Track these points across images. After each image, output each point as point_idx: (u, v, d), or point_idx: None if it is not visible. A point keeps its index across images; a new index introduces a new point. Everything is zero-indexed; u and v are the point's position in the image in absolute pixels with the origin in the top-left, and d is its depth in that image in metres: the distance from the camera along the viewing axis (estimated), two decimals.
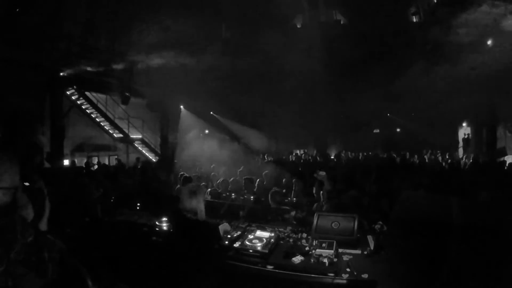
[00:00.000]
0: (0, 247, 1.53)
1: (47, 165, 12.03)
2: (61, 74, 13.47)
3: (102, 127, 17.40)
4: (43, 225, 2.04)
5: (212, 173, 9.37)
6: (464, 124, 19.86)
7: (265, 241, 3.90)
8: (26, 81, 12.24)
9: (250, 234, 4.17)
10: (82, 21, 12.26)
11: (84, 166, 12.68)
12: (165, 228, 4.74)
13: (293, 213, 4.88)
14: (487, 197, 4.26)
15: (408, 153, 16.15)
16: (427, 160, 14.27)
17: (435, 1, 15.33)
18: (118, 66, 14.03)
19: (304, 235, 4.23)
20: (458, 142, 20.06)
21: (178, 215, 3.52)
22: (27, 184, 1.99)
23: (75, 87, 15.12)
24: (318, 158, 17.06)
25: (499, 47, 13.72)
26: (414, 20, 17.37)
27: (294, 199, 5.86)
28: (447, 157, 15.68)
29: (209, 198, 6.20)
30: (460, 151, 19.35)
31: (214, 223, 3.61)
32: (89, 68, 13.74)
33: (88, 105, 16.38)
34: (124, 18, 12.35)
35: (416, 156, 15.74)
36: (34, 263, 1.70)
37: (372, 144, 18.38)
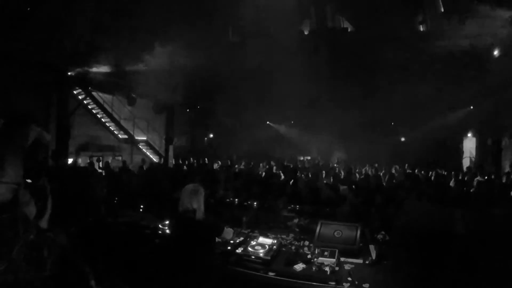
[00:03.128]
0: (1, 245, 1.53)
1: (51, 163, 12.11)
2: (68, 73, 13.55)
3: (107, 128, 17.49)
4: (44, 223, 2.04)
5: None
6: (469, 135, 19.77)
7: (267, 247, 3.92)
8: (33, 80, 12.34)
9: (252, 240, 4.19)
10: (90, 21, 12.33)
11: (88, 165, 12.74)
12: (167, 230, 4.76)
13: (296, 220, 4.89)
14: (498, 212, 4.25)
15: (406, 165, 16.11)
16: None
17: (442, 10, 15.32)
18: (126, 67, 14.09)
19: (307, 242, 4.24)
20: (463, 153, 19.99)
21: (177, 215, 3.56)
22: (29, 181, 2.00)
23: (82, 86, 15.23)
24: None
25: (504, 56, 13.68)
26: (421, 28, 17.37)
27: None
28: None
29: None
30: (465, 161, 19.26)
31: (214, 220, 3.63)
32: (96, 68, 13.82)
33: (94, 105, 16.47)
34: (132, 18, 12.41)
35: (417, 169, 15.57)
36: (35, 260, 1.70)
37: (376, 153, 18.28)
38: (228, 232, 3.73)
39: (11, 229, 1.59)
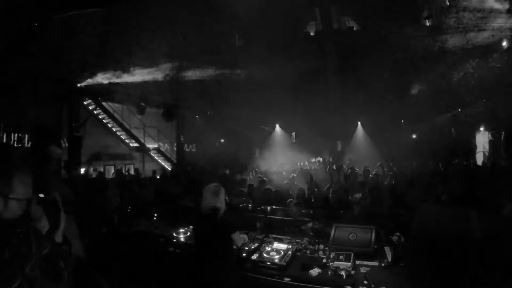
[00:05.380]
0: (15, 261, 1.53)
1: (63, 174, 12.25)
2: (78, 85, 13.74)
3: (118, 137, 17.66)
4: (58, 237, 2.06)
5: None
6: (481, 129, 19.50)
7: (282, 253, 3.92)
8: (44, 92, 12.51)
9: (267, 246, 4.20)
10: (98, 33, 12.49)
11: (100, 175, 12.85)
12: (182, 239, 4.77)
13: (310, 224, 4.86)
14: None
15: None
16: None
17: (448, 4, 15.19)
18: (134, 77, 14.25)
19: (321, 246, 4.23)
20: (476, 147, 19.71)
21: (200, 214, 3.66)
22: (41, 196, 2.01)
23: (91, 97, 15.42)
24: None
25: None
26: (427, 24, 17.23)
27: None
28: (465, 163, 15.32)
29: None
30: (479, 156, 19.01)
31: (232, 217, 3.73)
32: (105, 79, 13.98)
33: (104, 115, 16.65)
34: (139, 29, 12.56)
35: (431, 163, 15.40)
36: (51, 272, 1.72)
37: (388, 151, 18.13)
38: (240, 238, 3.76)
39: (24, 245, 1.60)
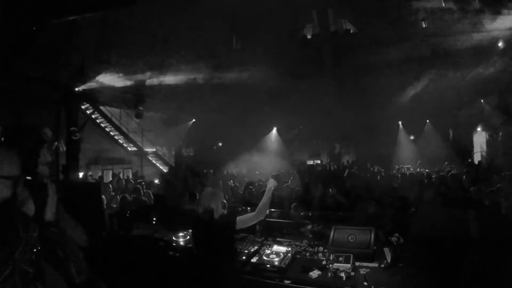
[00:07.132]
0: (3, 246, 1.47)
1: (62, 177, 12.19)
2: (76, 89, 13.71)
3: (116, 141, 17.61)
4: (49, 215, 1.98)
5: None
6: (478, 129, 19.55)
7: (282, 255, 3.92)
8: (42, 97, 12.51)
9: (267, 248, 4.20)
10: (96, 37, 12.49)
11: (98, 179, 12.83)
12: (181, 243, 4.76)
13: (309, 226, 4.87)
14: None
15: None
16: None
17: (444, 5, 15.25)
18: (132, 81, 14.25)
19: (321, 248, 4.23)
20: (473, 147, 19.76)
21: (198, 215, 3.66)
22: (29, 178, 1.96)
23: (89, 101, 15.37)
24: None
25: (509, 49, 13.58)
26: (424, 25, 17.28)
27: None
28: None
29: None
30: (476, 156, 19.05)
31: (228, 215, 3.70)
32: (103, 83, 13.97)
33: (102, 119, 16.60)
34: (136, 33, 12.58)
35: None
36: (54, 261, 1.67)
37: (386, 153, 18.17)
38: (245, 219, 3.68)
39: (10, 230, 1.53)
